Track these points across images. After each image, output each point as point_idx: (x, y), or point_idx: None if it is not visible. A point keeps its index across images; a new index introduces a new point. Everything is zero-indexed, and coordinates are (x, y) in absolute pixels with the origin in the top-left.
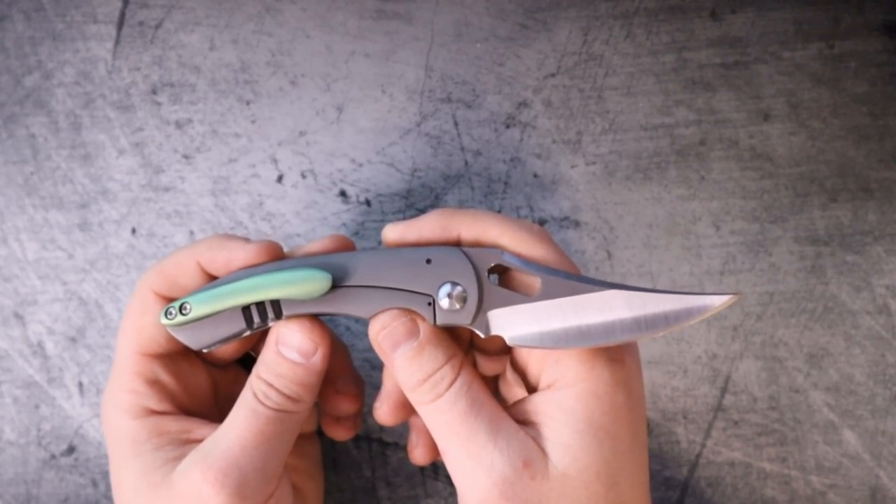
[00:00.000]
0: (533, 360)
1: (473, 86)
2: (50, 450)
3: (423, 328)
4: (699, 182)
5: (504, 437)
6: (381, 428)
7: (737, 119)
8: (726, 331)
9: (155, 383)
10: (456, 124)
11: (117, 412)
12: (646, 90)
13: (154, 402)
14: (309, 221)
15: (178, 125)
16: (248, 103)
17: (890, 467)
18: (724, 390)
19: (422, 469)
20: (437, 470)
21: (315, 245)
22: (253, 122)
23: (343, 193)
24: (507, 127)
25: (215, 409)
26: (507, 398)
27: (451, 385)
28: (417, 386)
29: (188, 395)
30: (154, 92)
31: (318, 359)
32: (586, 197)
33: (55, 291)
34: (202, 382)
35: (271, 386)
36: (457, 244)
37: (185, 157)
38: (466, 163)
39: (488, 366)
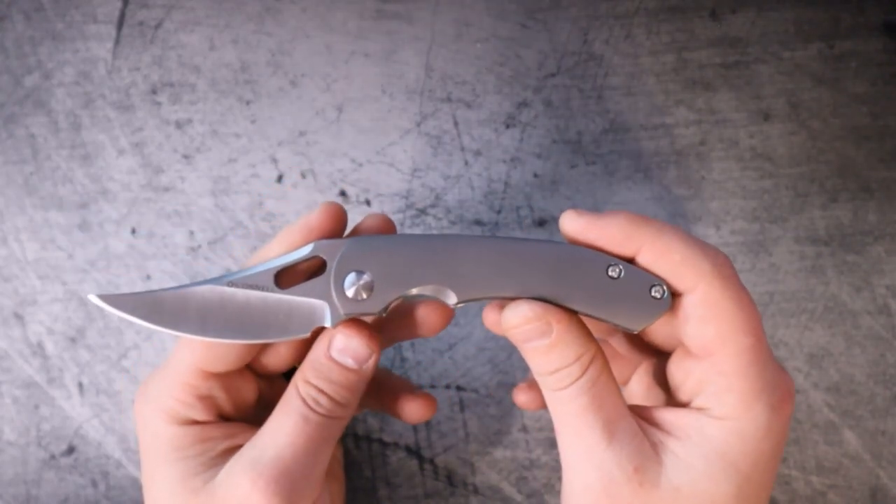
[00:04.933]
0: (692, 379)
1: (473, 86)
2: (50, 450)
3: (557, 329)
4: (699, 182)
5: (619, 440)
6: (381, 428)
7: (737, 119)
8: None
9: (206, 399)
10: (456, 124)
11: (158, 415)
12: (646, 90)
13: (199, 415)
14: None
15: (178, 125)
16: (248, 103)
17: (890, 467)
18: None
19: (422, 469)
20: (436, 470)
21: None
22: (253, 122)
23: (343, 193)
24: (507, 127)
25: (255, 415)
26: (650, 399)
27: (575, 381)
28: (545, 376)
29: (234, 407)
30: (154, 92)
31: (370, 364)
32: (586, 197)
33: (55, 291)
34: (250, 395)
35: (322, 392)
36: (631, 259)
37: (185, 157)
38: (466, 163)
39: (628, 360)
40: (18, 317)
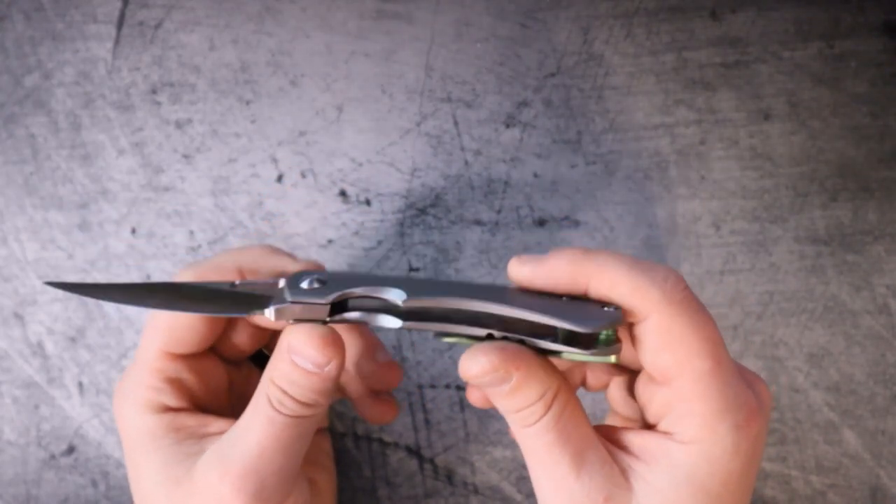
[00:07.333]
0: (656, 403)
1: (473, 86)
2: (50, 450)
3: (517, 376)
4: (699, 182)
5: (588, 471)
6: (381, 428)
7: (737, 119)
8: (726, 330)
9: (175, 381)
10: (456, 124)
11: (133, 407)
12: (646, 90)
13: (172, 400)
14: (309, 221)
15: (178, 125)
16: (248, 103)
17: (890, 467)
18: None
19: (422, 469)
20: (436, 470)
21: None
22: (253, 122)
23: (343, 193)
24: (507, 127)
25: (229, 404)
26: (622, 414)
27: (539, 419)
28: (510, 414)
29: (206, 392)
30: (154, 92)
31: (332, 368)
32: (586, 197)
33: (55, 291)
34: (219, 380)
35: (285, 393)
36: (582, 296)
37: (185, 157)
38: (466, 163)
39: (597, 378)
40: (18, 317)
